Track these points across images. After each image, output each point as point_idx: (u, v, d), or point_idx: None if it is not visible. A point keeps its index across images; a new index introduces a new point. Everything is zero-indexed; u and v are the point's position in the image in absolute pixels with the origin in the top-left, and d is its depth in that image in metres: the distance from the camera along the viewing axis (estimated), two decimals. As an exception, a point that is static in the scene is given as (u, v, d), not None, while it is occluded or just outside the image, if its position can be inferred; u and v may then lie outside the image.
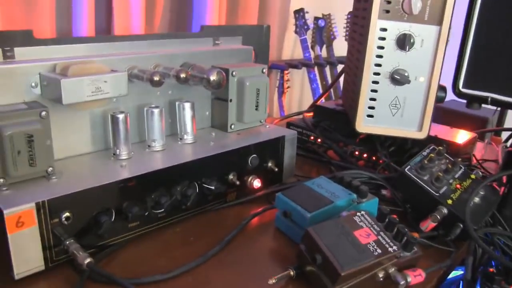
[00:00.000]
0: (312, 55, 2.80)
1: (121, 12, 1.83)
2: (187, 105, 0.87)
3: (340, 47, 3.00)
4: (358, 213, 0.71)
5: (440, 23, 0.90)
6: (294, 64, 2.68)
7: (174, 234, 0.79)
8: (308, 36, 2.80)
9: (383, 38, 0.91)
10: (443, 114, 2.03)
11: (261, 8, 2.47)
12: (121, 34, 1.78)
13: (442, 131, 1.09)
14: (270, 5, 2.52)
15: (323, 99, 1.41)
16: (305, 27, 2.73)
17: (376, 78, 0.93)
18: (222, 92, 0.93)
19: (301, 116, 1.28)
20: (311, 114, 1.31)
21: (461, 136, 1.09)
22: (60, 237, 0.66)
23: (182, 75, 0.79)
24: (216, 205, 0.87)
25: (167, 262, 0.71)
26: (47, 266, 0.66)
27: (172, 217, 0.80)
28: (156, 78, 0.76)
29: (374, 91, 0.94)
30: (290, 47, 2.91)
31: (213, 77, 0.81)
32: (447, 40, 0.90)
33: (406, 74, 0.92)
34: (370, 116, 0.96)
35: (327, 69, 2.89)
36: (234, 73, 0.91)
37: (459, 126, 1.17)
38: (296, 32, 2.75)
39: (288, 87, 2.73)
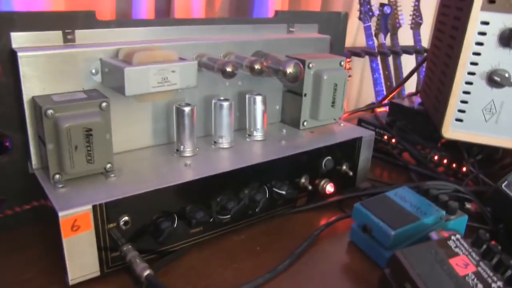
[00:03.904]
0: (376, 43, 2.67)
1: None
2: (259, 99, 0.79)
3: (405, 36, 2.86)
4: (452, 237, 0.61)
5: (558, 19, 0.78)
6: (356, 52, 2.55)
7: (238, 242, 0.72)
8: (372, 23, 2.67)
9: (483, 33, 0.79)
10: None
11: (326, -8, 2.35)
12: (181, 17, 1.70)
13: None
14: (334, -11, 2.40)
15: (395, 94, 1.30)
16: (370, 13, 2.59)
17: (470, 78, 0.82)
18: (296, 86, 0.84)
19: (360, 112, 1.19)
20: (382, 109, 1.22)
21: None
22: (117, 242, 0.59)
23: (257, 67, 0.70)
24: (284, 211, 0.79)
25: (233, 275, 0.64)
26: (102, 272, 0.60)
27: (237, 223, 0.72)
28: (228, 69, 0.68)
29: (467, 92, 0.83)
30: (352, 33, 2.78)
31: (290, 70, 0.73)
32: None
33: (507, 75, 0.81)
34: (459, 120, 0.85)
35: (390, 59, 2.75)
36: (311, 65, 0.82)
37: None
38: (360, 18, 2.62)
39: (350, 75, 2.62)
